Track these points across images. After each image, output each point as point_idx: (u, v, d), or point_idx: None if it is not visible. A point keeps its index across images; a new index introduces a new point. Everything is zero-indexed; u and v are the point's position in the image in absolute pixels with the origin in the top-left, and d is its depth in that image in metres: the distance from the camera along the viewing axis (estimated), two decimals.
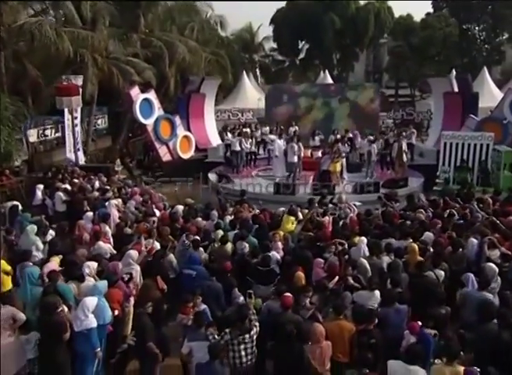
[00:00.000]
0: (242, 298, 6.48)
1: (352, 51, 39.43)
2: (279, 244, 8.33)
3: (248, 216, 9.80)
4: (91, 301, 5.75)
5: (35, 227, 8.96)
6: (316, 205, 10.44)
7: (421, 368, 4.99)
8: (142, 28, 24.40)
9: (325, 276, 6.99)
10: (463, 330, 5.79)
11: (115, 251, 8.26)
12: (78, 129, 17.07)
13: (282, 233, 8.71)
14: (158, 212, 10.33)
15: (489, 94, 25.76)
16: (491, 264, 7.16)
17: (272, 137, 17.60)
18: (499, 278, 6.87)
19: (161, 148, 19.07)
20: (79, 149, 17.17)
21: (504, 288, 6.69)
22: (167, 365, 6.30)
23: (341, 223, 9.33)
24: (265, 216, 10.03)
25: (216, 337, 5.58)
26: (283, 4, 39.05)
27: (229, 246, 8.27)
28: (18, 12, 16.78)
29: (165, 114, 19.47)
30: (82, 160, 17.38)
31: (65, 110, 16.62)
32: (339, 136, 17.08)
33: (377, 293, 6.54)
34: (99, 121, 25.33)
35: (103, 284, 6.08)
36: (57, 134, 22.14)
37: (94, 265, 6.75)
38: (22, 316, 5.73)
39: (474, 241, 8.12)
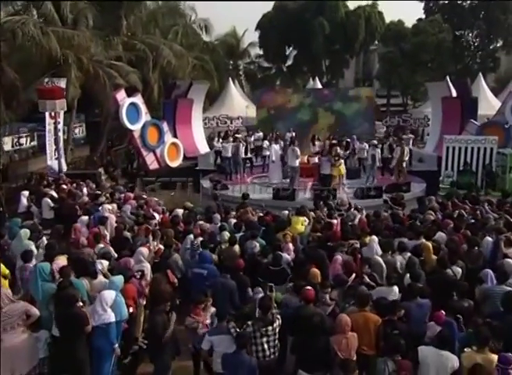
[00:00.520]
0: (262, 294, 6.74)
1: (342, 58, 40.41)
2: (290, 245, 8.69)
3: (253, 218, 10.12)
4: (110, 295, 5.97)
5: (28, 232, 9.10)
6: (322, 206, 10.86)
7: (453, 354, 5.35)
8: (124, 31, 24.86)
9: (343, 272, 7.34)
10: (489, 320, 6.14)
11: (116, 255, 8.48)
12: (60, 134, 17.19)
13: (291, 234, 9.06)
14: (157, 216, 10.58)
15: (485, 101, 26.61)
16: (509, 260, 7.61)
17: (267, 142, 18.02)
18: None
19: (148, 156, 19.32)
20: (61, 156, 17.25)
21: None
22: (179, 366, 6.54)
23: (350, 224, 9.70)
24: (269, 218, 10.37)
25: (238, 330, 5.84)
26: (269, 8, 39.98)
27: (236, 248, 8.58)
28: None
29: (153, 119, 19.77)
30: (64, 169, 17.46)
31: (47, 115, 16.73)
32: (334, 141, 17.58)
33: (395, 288, 6.89)
34: (76, 130, 25.55)
35: (119, 279, 6.31)
36: (32, 143, 22.27)
37: (105, 262, 6.97)
38: (36, 312, 5.91)
39: (489, 239, 8.60)
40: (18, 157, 19.78)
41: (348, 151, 16.67)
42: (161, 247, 8.49)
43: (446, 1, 39.99)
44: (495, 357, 5.23)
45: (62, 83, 17.18)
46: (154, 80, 25.44)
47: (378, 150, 16.28)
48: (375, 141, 16.64)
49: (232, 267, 7.36)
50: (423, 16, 40.83)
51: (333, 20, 37.53)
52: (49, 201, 12.20)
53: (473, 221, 9.65)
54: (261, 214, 10.94)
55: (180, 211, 10.96)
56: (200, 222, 10.01)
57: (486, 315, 6.64)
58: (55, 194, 12.68)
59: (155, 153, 19.57)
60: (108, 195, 12.30)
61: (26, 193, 12.68)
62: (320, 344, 5.67)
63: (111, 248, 8.70)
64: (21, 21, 15.51)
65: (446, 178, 15.41)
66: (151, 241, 8.24)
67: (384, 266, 7.73)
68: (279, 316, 6.01)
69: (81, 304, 5.96)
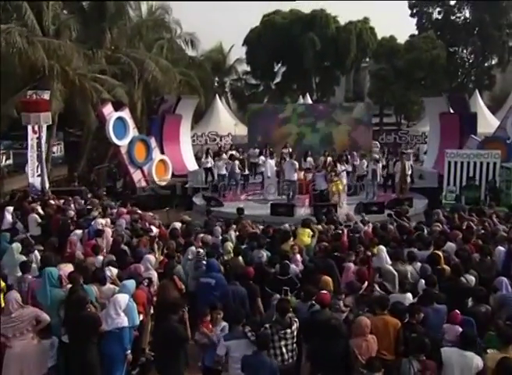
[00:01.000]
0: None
1: (333, 75, 41.37)
2: (298, 256, 9.02)
3: (256, 231, 10.46)
4: (123, 298, 6.21)
5: (20, 246, 9.30)
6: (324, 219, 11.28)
7: (476, 355, 5.68)
8: (108, 44, 25.42)
9: (356, 280, 7.68)
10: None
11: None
12: (43, 150, 17.39)
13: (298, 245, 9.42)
14: (154, 229, 10.84)
15: (483, 118, 27.35)
16: None
17: (263, 158, 18.47)
18: None
19: (135, 173, 19.58)
20: (44, 174, 17.37)
21: None
22: None
23: (357, 235, 10.11)
24: (272, 230, 10.71)
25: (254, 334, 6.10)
26: (257, 23, 40.84)
27: (240, 259, 8.87)
28: None
29: (140, 135, 20.12)
30: (47, 186, 17.59)
31: (29, 129, 16.97)
32: (330, 158, 18.07)
33: (409, 295, 7.24)
34: (54, 148, 25.72)
35: (131, 283, 6.56)
36: (8, 162, 22.41)
37: (114, 270, 7.22)
38: (46, 317, 6.11)
39: (501, 248, 9.04)
40: None
41: (347, 167, 17.13)
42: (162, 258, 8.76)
43: (439, 17, 41.34)
44: None
45: (46, 96, 17.45)
46: (138, 97, 25.93)
47: (380, 165, 16.80)
48: (377, 156, 17.19)
49: (242, 275, 7.64)
50: (415, 32, 42.07)
51: (324, 36, 38.50)
52: (36, 216, 12.41)
53: (483, 231, 10.08)
54: (261, 227, 11.30)
55: (178, 224, 11.24)
56: (201, 234, 10.28)
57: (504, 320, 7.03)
58: (40, 210, 12.90)
59: (143, 170, 19.84)
60: (100, 210, 12.54)
61: (11, 209, 12.83)
62: (339, 347, 5.96)
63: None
64: (7, 30, 15.82)
65: (449, 193, 15.95)
66: (156, 250, 8.46)
67: (396, 274, 8.08)
68: (296, 320, 6.30)
69: (92, 308, 6.19)
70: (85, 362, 5.93)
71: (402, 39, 41.55)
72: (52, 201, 13.53)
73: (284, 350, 6.14)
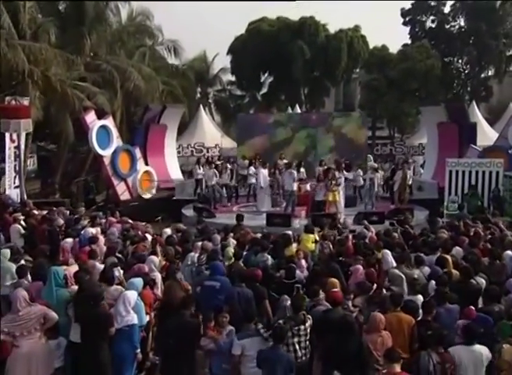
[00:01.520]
0: (290, 302, 7.39)
1: (322, 85, 42.09)
2: (303, 262, 9.45)
3: (257, 236, 10.89)
4: (133, 295, 6.56)
5: (9, 252, 9.57)
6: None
7: (482, 345, 6.15)
8: (87, 50, 25.86)
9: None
10: None
11: None
12: (22, 158, 17.59)
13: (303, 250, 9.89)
14: (149, 237, 11.17)
15: (480, 131, 28.06)
16: None
17: (253, 168, 18.95)
18: None
19: (119, 185, 19.87)
20: (22, 185, 17.60)
21: None
22: None
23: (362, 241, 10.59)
24: (271, 237, 11.14)
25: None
26: (242, 30, 41.39)
27: (241, 264, 9.26)
28: None
29: (124, 145, 20.46)
30: (25, 197, 17.79)
31: (7, 138, 17.20)
32: (325, 167, 18.57)
33: (420, 297, 7.69)
34: (28, 161, 25.90)
35: (139, 281, 6.91)
36: None
37: (121, 270, 7.56)
38: (54, 315, 6.40)
39: (509, 253, 9.56)
40: None
41: (347, 175, 17.63)
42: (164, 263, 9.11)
43: (433, 26, 42.60)
44: None
45: (26, 103, 17.74)
46: (118, 106, 26.34)
47: (378, 174, 17.37)
48: (375, 164, 17.78)
49: (250, 277, 8.00)
50: (408, 41, 43.11)
51: (313, 44, 39.16)
52: (20, 227, 12.63)
53: (490, 237, 10.64)
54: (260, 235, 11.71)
55: (168, 231, 11.65)
56: (199, 242, 10.64)
57: None
58: (22, 221, 13.15)
59: (127, 182, 20.14)
60: (89, 220, 12.84)
61: None
62: (354, 344, 6.34)
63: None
64: None
65: (451, 203, 16.54)
66: (159, 252, 8.80)
67: (403, 277, 8.52)
68: (310, 317, 6.69)
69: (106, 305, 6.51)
70: (97, 361, 6.21)
71: (394, 48, 42.48)
72: (36, 212, 13.75)
73: (297, 347, 6.51)
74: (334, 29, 41.21)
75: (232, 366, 6.62)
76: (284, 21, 40.49)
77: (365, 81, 43.17)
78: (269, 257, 9.23)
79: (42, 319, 6.37)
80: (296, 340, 6.52)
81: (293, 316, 6.61)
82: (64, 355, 6.55)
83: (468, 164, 17.18)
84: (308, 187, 18.37)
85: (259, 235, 11.66)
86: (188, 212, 17.44)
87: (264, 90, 43.57)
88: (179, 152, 26.31)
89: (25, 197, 17.42)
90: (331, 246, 10.33)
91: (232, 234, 11.48)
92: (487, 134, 27.15)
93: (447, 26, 42.28)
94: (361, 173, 18.40)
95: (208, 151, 27.15)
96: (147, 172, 20.94)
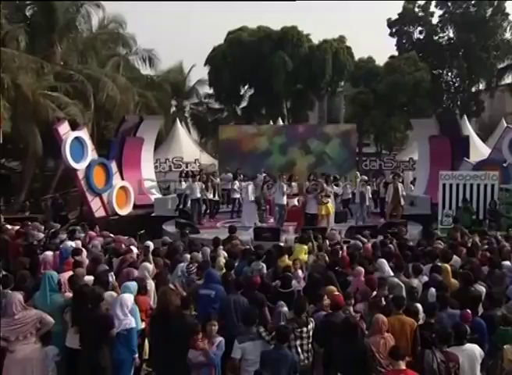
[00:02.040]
0: (285, 308, 7.80)
1: (306, 99, 42.94)
2: (300, 272, 9.91)
3: (248, 247, 11.35)
4: (130, 298, 6.94)
5: None
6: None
7: (473, 344, 6.72)
8: (57, 59, 26.27)
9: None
10: None
11: None
12: None
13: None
14: (135, 249, 11.51)
15: (472, 146, 28.96)
16: None
17: (238, 183, 19.46)
18: None
19: (93, 201, 20.10)
20: None
21: None
22: None
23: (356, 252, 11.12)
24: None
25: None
26: (221, 40, 42.02)
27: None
28: None
29: (100, 158, 20.73)
30: None
31: None
32: (313, 181, 19.11)
33: (419, 305, 8.16)
34: None
35: (133, 284, 7.27)
36: None
37: (113, 276, 7.92)
38: (50, 320, 6.73)
39: (507, 263, 10.15)
40: None
41: (336, 189, 18.21)
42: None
43: (421, 37, 43.85)
44: None
45: None
46: (89, 118, 26.64)
47: (369, 187, 17.99)
48: (366, 177, 18.35)
49: (248, 285, 8.41)
50: (395, 53, 44.21)
51: (296, 56, 39.99)
52: None
53: (488, 246, 11.25)
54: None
55: (151, 243, 12.00)
56: (187, 254, 11.02)
57: None
58: None
59: (102, 198, 20.39)
60: (67, 234, 13.18)
61: None
62: (357, 346, 6.78)
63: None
64: None
65: (446, 218, 17.14)
66: (151, 260, 9.18)
67: (403, 285, 9.02)
68: (312, 319, 7.12)
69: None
70: (97, 365, 6.53)
71: (381, 60, 43.77)
72: (9, 226, 14.03)
73: (300, 350, 6.94)
74: (318, 39, 42.20)
75: (231, 371, 6.99)
76: (265, 31, 41.18)
77: (351, 95, 44.02)
78: (264, 265, 9.65)
79: (38, 324, 6.68)
80: (298, 342, 6.94)
81: (296, 318, 7.04)
82: (57, 364, 6.83)
83: (462, 177, 17.80)
84: (296, 201, 18.86)
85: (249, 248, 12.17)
86: (170, 228, 17.75)
87: (244, 103, 44.32)
88: (156, 167, 26.65)
89: None
90: (326, 258, 10.79)
91: (221, 247, 11.86)
92: (479, 149, 27.78)
93: (436, 38, 43.52)
94: (349, 187, 19.03)
95: (186, 166, 27.54)
96: (123, 187, 21.18)
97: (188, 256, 10.77)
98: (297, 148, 24.23)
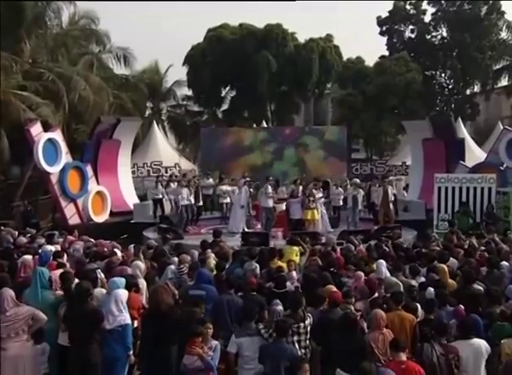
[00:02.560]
0: (280, 307, 8.22)
1: (291, 101, 43.63)
2: (294, 273, 10.37)
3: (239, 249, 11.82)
4: (124, 293, 7.32)
5: None
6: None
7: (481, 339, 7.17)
8: (26, 56, 26.46)
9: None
10: None
11: None
12: None
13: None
14: (118, 252, 11.89)
15: (467, 150, 29.61)
16: None
17: (225, 188, 19.95)
18: None
19: (67, 207, 20.34)
20: None
21: None
22: None
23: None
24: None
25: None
26: (201, 38, 42.35)
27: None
28: None
29: (74, 161, 21.01)
30: None
31: None
32: (301, 187, 19.63)
33: (417, 304, 8.67)
34: None
35: (121, 280, 7.66)
36: None
37: (101, 273, 8.30)
38: (43, 316, 7.09)
39: (505, 263, 10.72)
40: None
41: (323, 195, 18.72)
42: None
43: (412, 36, 44.74)
44: None
45: None
46: (59, 120, 26.83)
47: (361, 190, 18.56)
48: (358, 180, 18.91)
49: (244, 286, 8.84)
50: (386, 53, 45.32)
51: (280, 55, 40.48)
52: None
53: (485, 247, 11.85)
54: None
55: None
56: (175, 258, 11.42)
57: None
58: None
59: (76, 204, 20.64)
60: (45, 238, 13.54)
61: None
62: (356, 342, 7.22)
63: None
64: None
65: (441, 222, 17.75)
66: (142, 259, 9.57)
67: (401, 284, 9.51)
68: (309, 315, 7.56)
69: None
70: (87, 362, 6.88)
71: (371, 61, 44.58)
72: None
73: (297, 346, 7.34)
74: (304, 38, 42.77)
75: (227, 366, 7.38)
76: (248, 28, 41.53)
77: (339, 97, 44.74)
78: (258, 265, 10.09)
79: (30, 321, 7.03)
80: (296, 338, 7.34)
81: (292, 313, 7.46)
82: (49, 362, 7.20)
83: (458, 180, 18.43)
84: (284, 207, 19.37)
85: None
86: (151, 234, 18.07)
87: (225, 106, 44.76)
88: (133, 172, 26.96)
89: None
90: (319, 262, 11.24)
91: (209, 250, 12.27)
92: (474, 153, 28.55)
93: (428, 37, 44.36)
94: (342, 192, 19.56)
95: (166, 171, 27.87)
96: (99, 193, 21.47)
97: (176, 259, 11.19)
98: (284, 151, 24.83)
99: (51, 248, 12.30)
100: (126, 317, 7.21)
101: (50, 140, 19.91)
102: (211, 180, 22.32)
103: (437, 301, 8.34)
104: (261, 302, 8.46)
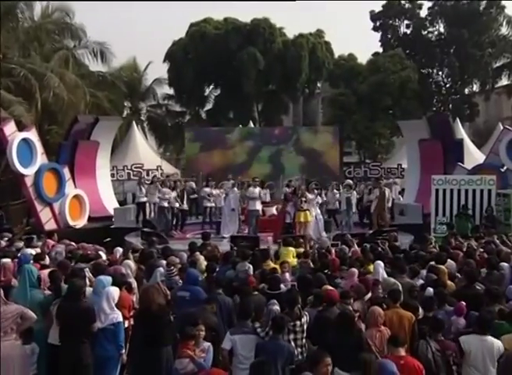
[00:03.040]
0: (277, 307, 8.60)
1: (279, 100, 44.17)
2: (287, 275, 10.80)
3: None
4: (116, 291, 7.67)
5: None
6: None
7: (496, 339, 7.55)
8: None
9: None
10: None
11: None
12: None
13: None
14: (103, 255, 12.24)
15: (466, 152, 30.02)
16: None
17: (210, 190, 20.35)
18: None
19: (43, 212, 20.54)
20: None
21: None
22: None
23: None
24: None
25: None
26: (183, 33, 42.84)
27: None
28: None
29: (51, 163, 21.23)
30: None
31: None
32: (292, 188, 20.09)
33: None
34: None
35: (107, 278, 8.02)
36: None
37: (89, 272, 8.67)
38: (32, 315, 7.42)
39: (505, 264, 11.21)
40: None
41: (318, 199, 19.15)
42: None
43: (408, 32, 45.39)
44: None
45: None
46: (32, 121, 27.01)
47: (354, 192, 19.04)
48: (350, 181, 19.39)
49: (243, 286, 9.24)
50: (380, 50, 46.05)
51: (268, 52, 41.09)
52: None
53: (484, 248, 12.35)
54: None
55: (120, 249, 12.74)
56: (163, 261, 11.78)
57: None
58: None
59: (53, 208, 20.86)
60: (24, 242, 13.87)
61: None
62: (354, 339, 7.62)
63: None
64: None
65: (439, 226, 18.23)
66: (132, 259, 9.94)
67: (399, 284, 9.94)
68: (306, 313, 7.95)
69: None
70: (78, 362, 7.21)
71: (363, 58, 45.23)
72: None
73: (293, 345, 7.71)
74: (293, 34, 43.15)
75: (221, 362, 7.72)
76: (233, 23, 42.00)
77: (330, 96, 45.11)
78: (251, 266, 10.48)
79: (19, 319, 7.35)
80: (292, 337, 7.70)
81: (288, 311, 7.83)
82: (38, 362, 7.52)
83: (457, 181, 18.90)
84: (274, 210, 19.78)
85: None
86: (134, 239, 18.35)
87: (209, 106, 45.39)
88: (112, 175, 27.21)
89: None
90: (311, 264, 11.66)
91: (198, 253, 12.65)
92: (473, 156, 28.78)
93: (424, 33, 45.02)
94: (336, 193, 20.04)
95: (147, 174, 28.10)
96: (77, 196, 21.70)
97: (164, 262, 11.55)
98: (274, 152, 25.35)
99: (31, 251, 12.66)
100: (118, 315, 7.55)
101: (25, 140, 20.01)
102: (192, 183, 22.79)
103: (436, 300, 8.77)
104: (260, 303, 8.83)
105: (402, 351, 7.01)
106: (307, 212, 17.59)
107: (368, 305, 8.89)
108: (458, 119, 34.89)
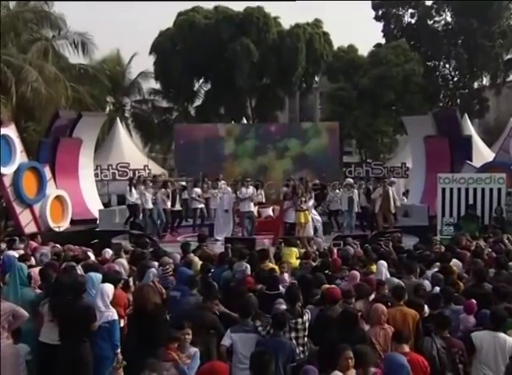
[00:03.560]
0: (284, 306, 8.97)
1: (274, 95, 44.47)
2: (286, 276, 11.23)
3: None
4: (111, 288, 8.05)
5: None
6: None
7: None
8: None
9: None
10: None
11: None
12: None
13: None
14: (92, 256, 12.62)
15: (475, 150, 29.99)
16: None
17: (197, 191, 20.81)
18: None
19: (22, 214, 20.79)
20: None
21: None
22: None
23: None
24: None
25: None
26: (170, 23, 42.99)
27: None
28: None
29: (31, 162, 21.50)
30: None
31: None
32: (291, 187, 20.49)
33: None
34: None
35: (97, 275, 8.43)
36: None
37: (81, 270, 9.09)
38: (24, 313, 7.79)
39: None
40: None
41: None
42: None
43: (412, 21, 45.59)
44: None
45: None
46: (8, 117, 27.21)
47: (356, 191, 19.48)
48: (351, 180, 19.81)
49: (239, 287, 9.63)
50: (382, 41, 46.08)
51: (262, 43, 41.25)
52: None
53: (493, 247, 12.83)
54: None
55: (109, 250, 13.14)
56: (155, 262, 12.19)
57: None
58: None
59: (33, 210, 21.13)
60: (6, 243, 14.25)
61: None
62: (357, 337, 8.02)
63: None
64: None
65: (446, 227, 18.60)
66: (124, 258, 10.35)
67: (403, 284, 10.37)
68: (308, 311, 8.36)
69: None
70: (78, 360, 7.57)
71: (364, 50, 45.35)
72: None
73: (294, 343, 8.11)
74: (288, 23, 43.28)
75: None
76: (224, 12, 42.19)
77: (328, 91, 45.31)
78: (248, 266, 10.90)
79: (11, 317, 7.72)
80: (293, 335, 8.10)
81: (290, 308, 8.24)
82: (29, 362, 7.90)
83: (465, 180, 19.31)
84: (270, 211, 20.19)
85: None
86: (122, 242, 18.68)
87: (199, 101, 45.64)
88: (96, 175, 27.43)
89: None
90: (313, 264, 12.10)
91: (192, 254, 13.06)
92: (483, 155, 29.19)
93: (430, 22, 44.97)
94: (338, 193, 20.47)
95: (134, 174, 28.29)
96: (58, 197, 21.99)
97: (156, 263, 11.95)
98: (270, 150, 25.85)
99: (14, 253, 13.02)
100: (113, 312, 7.91)
101: (3, 136, 20.14)
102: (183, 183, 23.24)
103: (443, 298, 9.19)
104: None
105: (406, 348, 7.38)
106: (307, 211, 18.01)
107: (371, 305, 9.33)
108: (467, 116, 34.74)
